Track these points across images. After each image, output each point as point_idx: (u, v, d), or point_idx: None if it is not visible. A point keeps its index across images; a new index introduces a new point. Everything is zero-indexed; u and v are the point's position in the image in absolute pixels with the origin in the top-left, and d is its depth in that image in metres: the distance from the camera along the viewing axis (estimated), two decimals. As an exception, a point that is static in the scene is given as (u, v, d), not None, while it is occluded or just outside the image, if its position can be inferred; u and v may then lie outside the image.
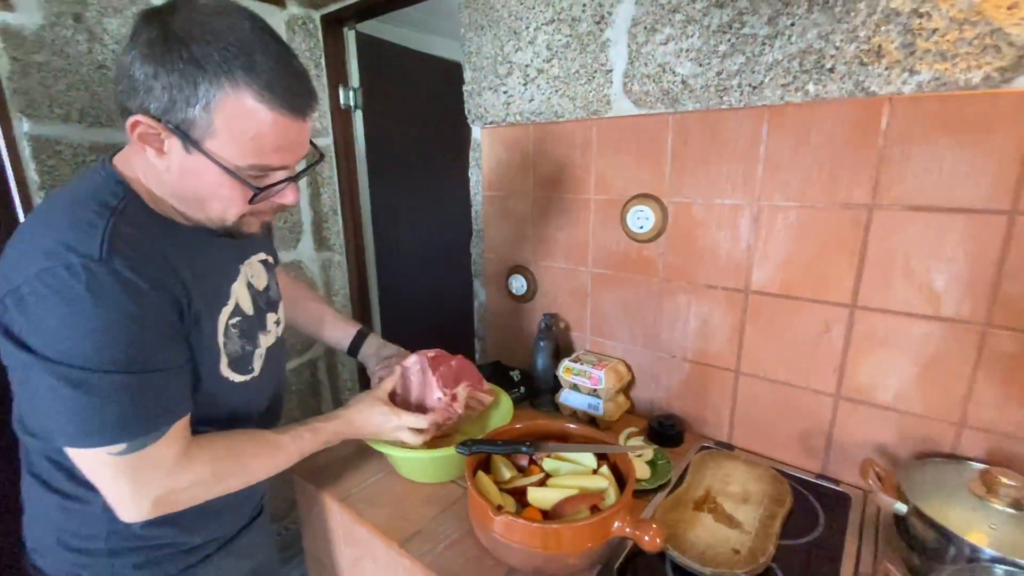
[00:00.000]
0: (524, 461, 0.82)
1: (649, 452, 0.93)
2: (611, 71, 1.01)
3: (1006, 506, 0.65)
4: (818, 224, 0.83)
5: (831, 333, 0.85)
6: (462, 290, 1.56)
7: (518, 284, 1.26)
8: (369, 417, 0.80)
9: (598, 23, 1.01)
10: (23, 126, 1.17)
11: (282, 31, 1.62)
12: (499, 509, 0.68)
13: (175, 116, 0.53)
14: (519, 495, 0.75)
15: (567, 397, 1.11)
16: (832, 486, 0.87)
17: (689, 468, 0.89)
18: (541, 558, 0.66)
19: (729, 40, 0.86)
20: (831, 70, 0.78)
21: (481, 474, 0.77)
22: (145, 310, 0.55)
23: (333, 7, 1.59)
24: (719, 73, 0.88)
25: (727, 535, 0.74)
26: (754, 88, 0.85)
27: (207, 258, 0.65)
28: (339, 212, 1.84)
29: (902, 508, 0.69)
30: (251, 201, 0.60)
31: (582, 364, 1.09)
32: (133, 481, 0.57)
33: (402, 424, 0.81)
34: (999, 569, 0.58)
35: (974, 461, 0.75)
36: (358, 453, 0.97)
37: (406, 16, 1.64)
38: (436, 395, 0.85)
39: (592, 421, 1.08)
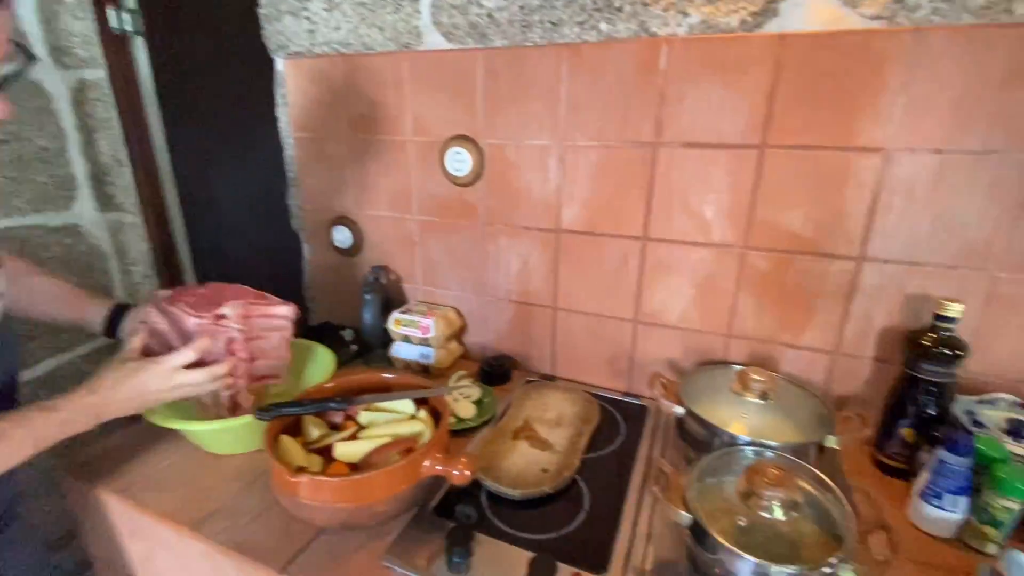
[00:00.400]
0: (339, 419, 0.77)
1: (475, 391, 0.95)
2: (418, 0, 0.94)
3: (756, 398, 0.78)
4: (614, 163, 0.88)
5: (628, 265, 0.93)
6: (291, 245, 1.42)
7: (342, 236, 1.17)
8: (121, 379, 0.66)
9: (401, -56, 0.93)
10: None
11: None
12: (300, 470, 0.63)
13: None
14: (328, 453, 0.70)
15: (399, 349, 1.08)
16: (634, 401, 0.97)
17: (511, 402, 0.93)
18: (346, 512, 0.63)
19: (528, -29, 0.84)
20: (619, 9, 0.81)
21: (285, 438, 0.71)
22: None
23: None
24: (522, 7, 0.86)
25: (538, 457, 0.78)
26: (554, 25, 0.85)
27: None
28: (126, 162, 1.53)
29: (680, 411, 0.79)
30: None
31: (412, 315, 1.06)
32: None
33: (167, 368, 0.67)
34: (748, 450, 0.68)
35: (737, 364, 0.89)
36: (144, 439, 0.84)
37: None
38: (191, 322, 0.71)
39: (426, 371, 1.07)
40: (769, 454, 0.66)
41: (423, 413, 0.77)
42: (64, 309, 0.79)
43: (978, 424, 0.71)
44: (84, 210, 1.52)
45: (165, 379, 0.68)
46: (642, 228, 0.90)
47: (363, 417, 0.77)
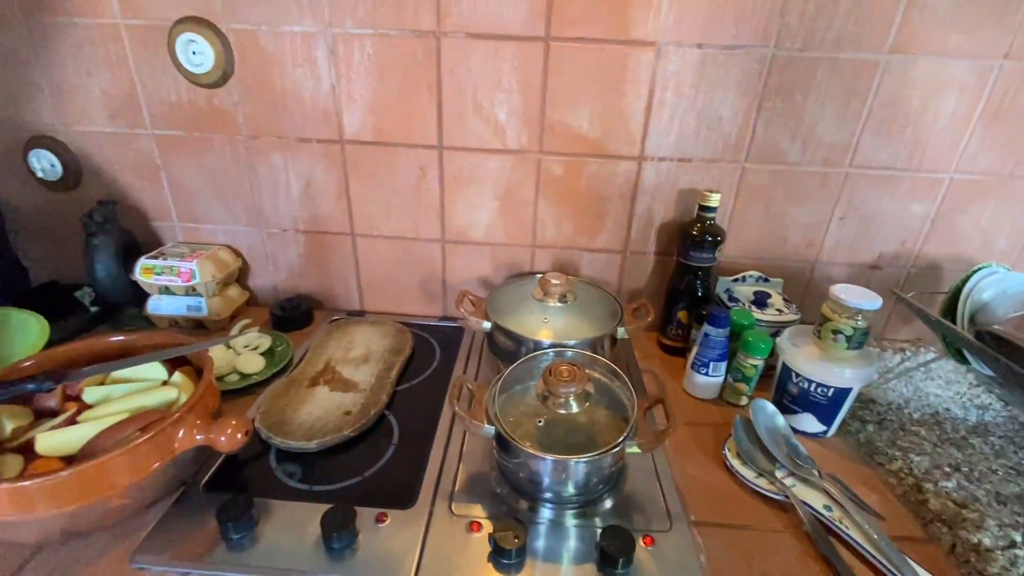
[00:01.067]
0: (52, 402, 0.58)
1: (263, 340, 0.81)
2: None
3: (556, 302, 0.79)
4: (395, 55, 0.76)
5: (427, 178, 0.84)
6: None
7: (46, 164, 0.86)
8: None
9: None
10: None
11: None
12: (-24, 482, 0.45)
13: None
14: (31, 451, 0.52)
15: (158, 304, 0.86)
16: (451, 324, 0.93)
17: (310, 347, 0.81)
18: (68, 517, 0.48)
19: None
20: None
21: (-48, 443, 0.50)
22: None
23: None
24: None
25: (341, 401, 0.70)
26: None
27: None
28: None
29: (487, 326, 0.77)
30: None
31: (167, 260, 0.84)
32: None
33: None
34: (551, 352, 0.68)
35: (540, 273, 0.89)
36: None
37: None
38: None
39: (201, 326, 0.88)
40: (569, 354, 0.67)
41: (179, 377, 0.62)
42: None
43: (733, 299, 0.82)
44: None
45: None
46: (436, 135, 0.81)
47: (92, 394, 0.59)
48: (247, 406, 0.70)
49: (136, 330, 0.83)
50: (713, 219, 0.79)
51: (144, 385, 0.60)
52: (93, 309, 0.88)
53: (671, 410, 0.57)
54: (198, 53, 0.76)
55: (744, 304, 0.81)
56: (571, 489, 0.56)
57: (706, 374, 0.74)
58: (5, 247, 0.99)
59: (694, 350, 0.75)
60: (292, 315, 0.89)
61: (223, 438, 0.53)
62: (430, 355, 0.84)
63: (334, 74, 0.78)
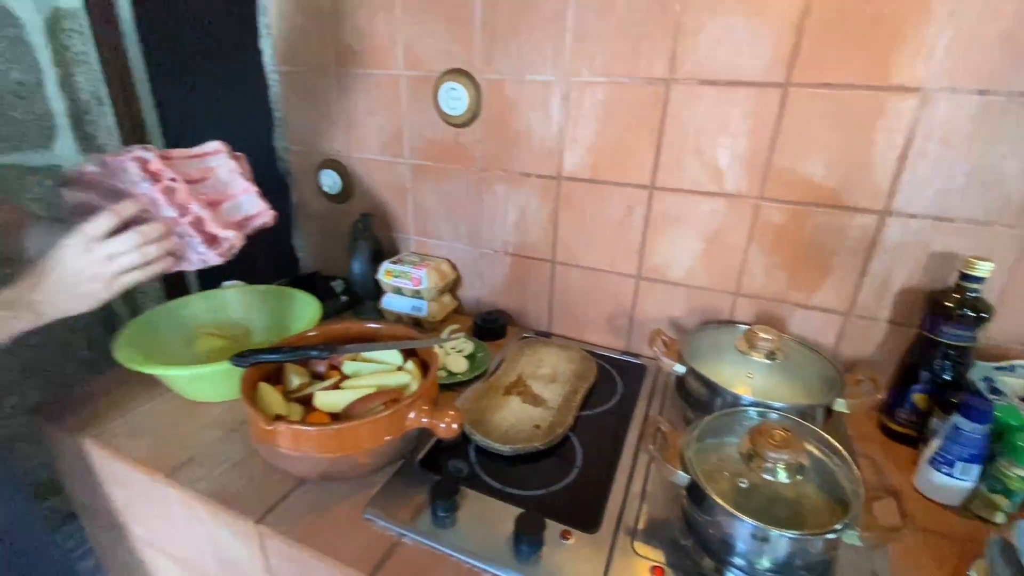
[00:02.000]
0: (322, 368, 0.73)
1: (468, 345, 0.91)
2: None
3: (763, 358, 0.74)
4: (623, 101, 0.81)
5: (633, 216, 0.87)
6: (277, 188, 1.35)
7: (330, 181, 1.11)
8: (45, 268, 0.56)
9: None
10: None
11: None
12: (278, 419, 0.60)
13: None
14: (310, 403, 0.67)
15: (390, 302, 1.03)
16: (633, 360, 0.93)
17: (505, 358, 0.89)
18: (327, 462, 0.60)
19: None
20: (635, -77, 0.72)
21: (264, 386, 0.67)
22: None
23: None
24: (526, -79, 0.77)
25: (531, 413, 0.75)
26: (562, -58, 0.76)
27: None
28: (107, 100, 1.45)
29: (680, 369, 0.75)
30: None
31: (403, 265, 1.01)
32: None
33: (84, 239, 0.56)
34: (752, 411, 0.65)
35: (744, 324, 0.84)
36: (122, 383, 0.80)
37: None
38: (91, 168, 0.61)
39: (418, 324, 1.03)
40: (774, 415, 0.63)
41: (411, 365, 0.73)
42: (19, 237, 0.70)
43: (996, 391, 0.67)
44: (66, 151, 1.45)
45: (88, 253, 0.56)
46: (650, 176, 0.83)
47: (348, 367, 0.73)
48: (452, 400, 0.80)
49: (373, 320, 1.01)
50: (978, 292, 0.66)
51: (385, 367, 0.73)
52: (343, 298, 1.09)
53: (906, 508, 0.49)
54: (455, 98, 0.91)
55: (1012, 399, 0.66)
56: (767, 563, 0.52)
57: (950, 475, 0.61)
58: (287, 240, 1.29)
59: (935, 443, 0.63)
60: (490, 327, 0.98)
61: (442, 424, 0.62)
62: (612, 386, 0.85)
63: (563, 117, 0.86)
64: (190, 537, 0.69)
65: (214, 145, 0.70)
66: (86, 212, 0.62)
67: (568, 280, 0.97)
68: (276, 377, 0.72)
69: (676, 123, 0.79)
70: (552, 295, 1.00)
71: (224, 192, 0.70)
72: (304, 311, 0.90)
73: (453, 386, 0.83)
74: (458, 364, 0.86)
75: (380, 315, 1.06)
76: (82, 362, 1.60)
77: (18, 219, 0.72)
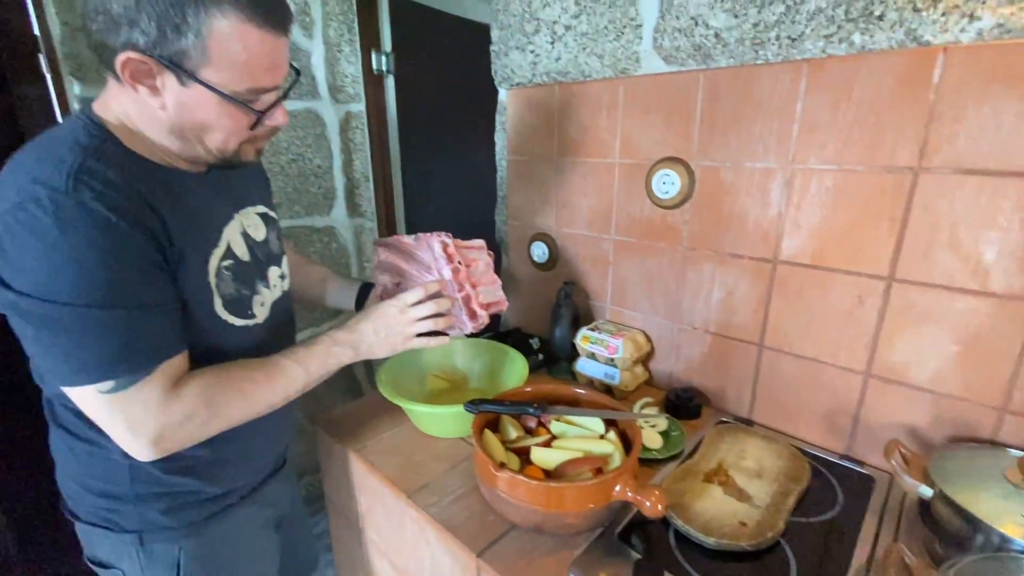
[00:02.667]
0: (532, 423, 0.82)
1: (662, 422, 0.91)
2: (641, 26, 0.96)
3: (1046, 496, 0.60)
4: (857, 189, 0.77)
5: (864, 307, 0.80)
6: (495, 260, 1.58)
7: (540, 252, 1.24)
8: (363, 316, 0.75)
9: (629, -25, 0.96)
10: (74, 88, 1.23)
11: (315, -5, 1.63)
12: (502, 466, 0.69)
13: (167, 49, 0.52)
14: (523, 455, 0.75)
15: (584, 365, 1.10)
16: (855, 467, 0.83)
17: (703, 441, 0.87)
18: (541, 515, 0.67)
19: (768, -13, 0.79)
20: (880, 18, 0.71)
21: (488, 432, 0.78)
22: (118, 244, 0.53)
23: (365, -32, 1.57)
24: (755, 25, 0.81)
25: (735, 508, 0.72)
26: (793, 40, 0.78)
27: (192, 199, 0.64)
28: (371, 179, 1.86)
29: (927, 492, 0.65)
30: (254, 127, 0.61)
31: (600, 333, 1.07)
32: (127, 421, 0.57)
33: (402, 304, 0.75)
34: (1030, 560, 0.53)
35: (1014, 448, 0.70)
36: (376, 409, 1.00)
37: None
38: (408, 239, 0.81)
39: (608, 390, 1.07)
40: (1074, 577, 0.51)
41: (612, 434, 0.77)
42: (328, 293, 0.96)
43: None
44: (338, 216, 1.89)
45: (401, 312, 0.75)
46: (888, 266, 0.77)
47: (555, 426, 0.80)
48: (647, 477, 0.81)
49: (576, 384, 1.08)
50: None
51: (588, 433, 0.78)
52: (540, 356, 1.20)
53: None
54: (668, 184, 0.97)
55: None
56: None
57: None
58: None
59: None
60: (684, 405, 0.98)
61: (648, 503, 0.64)
62: (830, 494, 0.77)
63: (783, 202, 0.85)
64: (415, 552, 0.81)
65: (479, 242, 0.87)
66: (389, 269, 0.83)
67: (778, 367, 0.92)
68: (494, 425, 0.82)
69: (925, 213, 0.72)
70: (757, 380, 0.95)
71: (480, 279, 0.85)
72: (513, 366, 1.02)
73: (647, 462, 0.84)
74: (653, 440, 0.87)
75: (573, 376, 1.13)
76: (339, 388, 2.02)
77: (323, 276, 0.98)
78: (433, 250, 0.79)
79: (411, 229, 1.98)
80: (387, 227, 1.91)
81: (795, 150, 0.82)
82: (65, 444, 0.68)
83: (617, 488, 0.66)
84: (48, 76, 1.29)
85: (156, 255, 0.58)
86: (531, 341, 1.26)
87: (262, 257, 0.75)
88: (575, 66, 1.07)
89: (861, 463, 0.83)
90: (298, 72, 0.67)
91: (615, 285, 1.13)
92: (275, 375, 0.68)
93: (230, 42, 0.54)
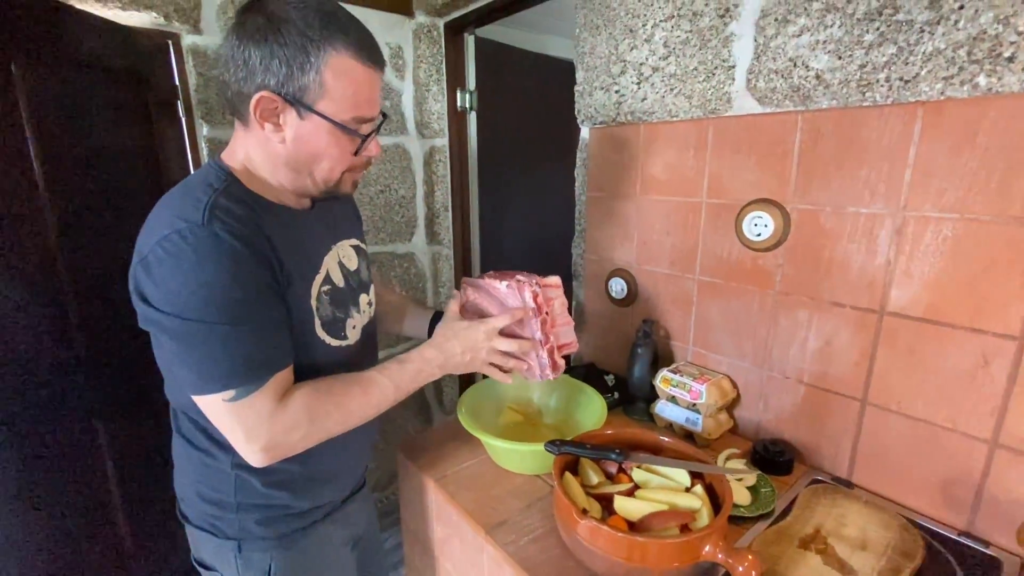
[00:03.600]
0: (612, 468, 0.80)
1: (751, 477, 0.87)
2: (733, 67, 0.95)
3: None
4: (981, 240, 0.71)
5: (990, 368, 0.72)
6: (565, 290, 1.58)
7: (618, 287, 1.24)
8: (451, 335, 0.79)
9: (722, 16, 0.95)
10: (203, 129, 1.40)
11: (409, 40, 1.75)
12: (584, 513, 0.68)
13: (292, 86, 0.63)
14: (605, 502, 0.74)
15: (663, 408, 1.07)
16: (979, 547, 0.74)
17: (797, 501, 0.82)
18: (623, 568, 0.65)
19: (878, 29, 0.76)
20: (1010, 59, 0.66)
21: (568, 475, 0.77)
22: (242, 269, 0.61)
23: (456, 14, 1.67)
24: (862, 66, 0.78)
25: (837, 582, 0.67)
26: (906, 82, 0.75)
27: (300, 232, 0.72)
28: (450, 209, 1.95)
29: (1077, 589, 0.57)
30: (356, 152, 0.70)
31: (682, 376, 1.04)
32: (244, 428, 0.63)
33: (490, 328, 0.79)
34: None
35: None
36: (454, 437, 1.02)
37: (522, 18, 1.68)
38: (501, 286, 0.81)
39: (689, 436, 1.03)
40: None
41: (699, 488, 0.74)
42: (406, 322, 1.01)
43: None
44: (418, 243, 1.99)
45: (488, 338, 0.79)
46: (1021, 325, 0.69)
47: (637, 474, 0.78)
48: (734, 536, 0.77)
49: (647, 426, 1.05)
50: None
51: (672, 484, 0.76)
52: (614, 395, 1.18)
53: None
54: (760, 226, 0.94)
55: None
56: None
57: None
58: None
59: None
60: (774, 459, 0.92)
61: (741, 568, 0.60)
62: (948, 576, 0.69)
63: (893, 250, 0.79)
64: (489, 590, 0.81)
65: (556, 279, 0.87)
66: (475, 311, 0.86)
67: (883, 426, 0.85)
68: (572, 466, 0.82)
69: (1068, 269, 0.65)
70: (857, 438, 0.88)
71: (555, 319, 0.86)
72: (590, 405, 1.01)
73: (734, 519, 0.80)
74: (741, 495, 0.83)
75: (651, 418, 1.10)
76: (410, 407, 2.10)
77: (401, 306, 1.03)
78: (524, 300, 0.81)
79: (485, 257, 2.04)
80: (463, 255, 1.98)
81: (907, 196, 0.77)
82: (184, 452, 0.76)
83: (707, 548, 0.63)
84: (183, 119, 1.48)
85: (271, 279, 0.65)
86: (606, 378, 1.24)
87: (355, 284, 0.82)
88: (661, 106, 1.08)
89: (986, 543, 0.74)
90: (385, 116, 0.76)
91: (698, 326, 1.10)
92: (370, 389, 0.72)
93: (342, 77, 0.64)
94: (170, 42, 1.38)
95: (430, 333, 0.98)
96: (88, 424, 1.10)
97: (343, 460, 0.83)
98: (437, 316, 0.99)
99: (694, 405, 1.01)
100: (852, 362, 0.87)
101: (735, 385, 1.05)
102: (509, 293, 0.82)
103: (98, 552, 1.14)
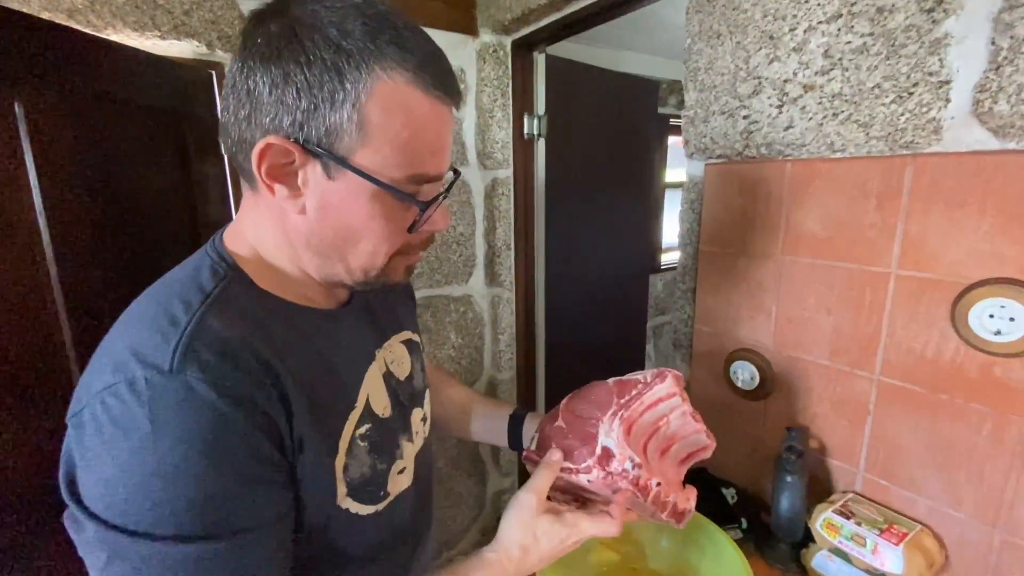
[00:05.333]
0: None
1: None
2: (947, 83, 0.65)
3: None
4: None
5: None
6: (635, 333, 1.28)
7: (746, 375, 0.93)
8: (530, 546, 0.53)
9: (930, 12, 0.66)
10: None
11: (472, 61, 1.54)
12: None
13: (317, 127, 0.40)
14: None
15: (826, 565, 0.75)
16: None
17: None
18: None
19: None
20: None
21: None
22: (225, 447, 0.38)
23: (525, 31, 1.45)
24: None
25: None
26: None
27: (329, 346, 0.49)
28: (512, 247, 1.70)
29: None
30: (411, 228, 0.46)
31: (859, 525, 0.72)
32: None
33: (581, 535, 0.54)
34: None
35: None
36: None
37: (598, 33, 1.44)
38: (584, 480, 0.56)
39: (869, 612, 0.71)
40: None
41: None
42: (474, 422, 0.76)
43: None
44: (476, 284, 1.75)
45: (575, 540, 0.55)
46: None
47: None
48: None
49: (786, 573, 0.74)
50: None
51: None
52: (742, 524, 0.87)
53: None
54: (1001, 319, 0.62)
55: None
56: None
57: None
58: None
59: None
60: None
61: None
62: None
63: None
64: None
65: (667, 388, 0.59)
66: (568, 491, 0.60)
67: None
68: None
69: None
70: None
71: (674, 437, 0.60)
72: (718, 554, 0.71)
73: None
74: None
75: (801, 568, 0.79)
76: (463, 474, 1.85)
77: (465, 403, 0.78)
78: (622, 489, 0.55)
79: (551, 300, 1.77)
80: (526, 298, 1.73)
81: None
82: None
83: None
84: (226, 157, 1.32)
85: (272, 451, 0.41)
86: (724, 492, 0.94)
87: (405, 401, 0.58)
88: (819, 137, 0.78)
89: None
90: (457, 173, 0.51)
91: (875, 446, 0.78)
92: None
93: (395, 113, 0.41)
94: (213, 72, 1.24)
95: (510, 441, 0.72)
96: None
97: None
98: (518, 420, 0.73)
99: (880, 572, 0.69)
100: None
101: (942, 544, 0.71)
102: (600, 484, 0.55)
103: None
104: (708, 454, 0.62)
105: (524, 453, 0.63)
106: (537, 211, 1.70)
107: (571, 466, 0.57)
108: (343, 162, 0.41)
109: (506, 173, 1.64)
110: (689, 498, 0.59)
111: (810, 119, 0.79)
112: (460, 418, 0.77)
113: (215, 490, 0.37)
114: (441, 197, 0.47)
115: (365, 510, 0.50)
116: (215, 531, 0.37)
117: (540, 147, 1.64)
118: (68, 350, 0.83)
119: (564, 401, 0.63)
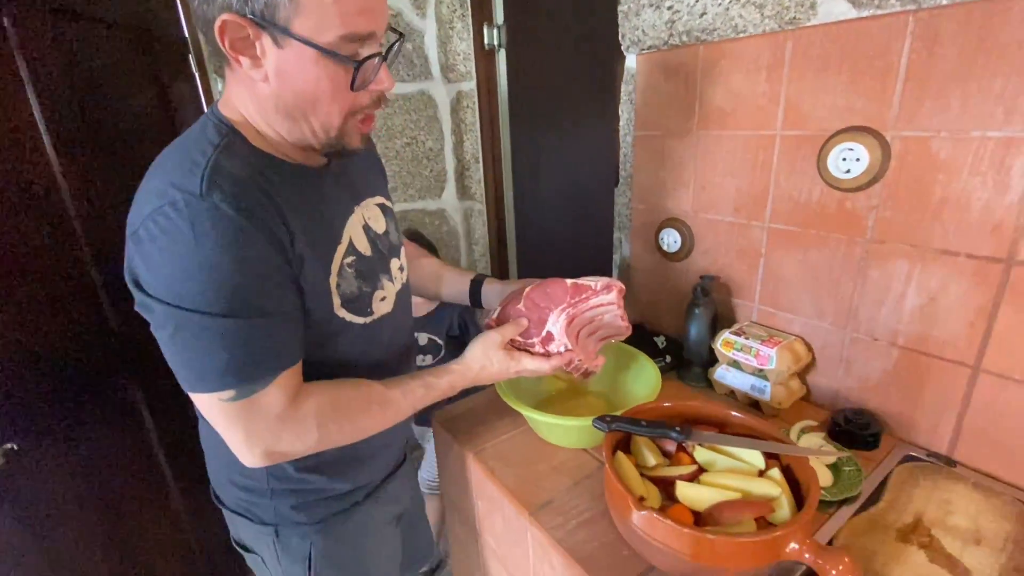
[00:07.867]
0: (671, 447, 0.71)
1: (833, 454, 0.76)
2: (821, -37, 0.77)
3: None
4: None
5: None
6: (603, 242, 1.44)
7: (671, 239, 1.10)
8: (487, 366, 0.73)
9: None
10: (218, 85, 1.31)
11: (429, -31, 1.57)
12: (641, 501, 0.59)
13: (257, 1, 0.49)
14: (664, 485, 0.65)
15: (725, 374, 0.96)
16: None
17: (889, 482, 0.71)
18: (689, 566, 0.57)
19: None
20: None
21: (621, 456, 0.68)
22: (247, 250, 0.52)
23: (479, -65, 1.48)
24: (1009, -61, 0.60)
25: (949, 584, 0.56)
26: (1074, -46, 0.56)
27: (315, 195, 0.62)
28: (480, 160, 1.81)
29: None
30: (353, 86, 0.54)
31: (747, 338, 0.92)
32: (244, 430, 0.56)
33: (522, 369, 0.75)
34: None
35: None
36: (493, 407, 0.95)
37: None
38: (558, 347, 0.76)
39: (754, 405, 0.92)
40: None
41: (776, 473, 0.64)
42: (444, 287, 0.93)
43: None
44: (449, 199, 1.88)
45: (515, 372, 0.75)
46: None
47: (700, 454, 0.69)
48: (813, 526, 0.67)
49: (704, 393, 0.95)
50: None
51: (743, 466, 0.66)
52: (666, 359, 1.07)
53: None
54: (850, 160, 0.78)
55: None
56: None
57: None
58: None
59: None
60: (855, 432, 0.80)
61: (834, 572, 0.51)
62: (1088, 579, 0.57)
63: (1033, 184, 0.63)
64: (533, 569, 0.76)
65: (611, 298, 0.78)
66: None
67: (1000, 397, 0.71)
68: (624, 443, 0.73)
69: None
70: (965, 410, 0.75)
71: (601, 327, 0.82)
72: (642, 372, 0.91)
73: (813, 501, 0.70)
74: (821, 475, 0.72)
75: (710, 385, 1.00)
76: None
77: (437, 269, 0.94)
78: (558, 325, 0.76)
79: (519, 209, 1.91)
80: (495, 210, 1.86)
81: (1062, 111, 0.60)
82: (211, 438, 0.70)
83: (791, 547, 0.53)
84: (196, 75, 1.39)
85: (280, 260, 0.56)
86: (656, 340, 1.13)
87: (384, 250, 0.72)
88: (726, 21, 0.90)
89: None
90: (401, 35, 0.61)
91: (767, 281, 0.96)
92: (388, 410, 0.67)
93: None
94: (173, -13, 1.28)
95: (472, 299, 0.91)
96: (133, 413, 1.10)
97: (381, 439, 0.75)
98: (477, 283, 0.91)
99: (761, 371, 0.89)
100: (965, 322, 0.72)
101: (810, 349, 0.92)
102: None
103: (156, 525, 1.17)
104: (623, 337, 0.84)
105: (486, 321, 0.82)
106: (502, 124, 1.79)
107: (521, 340, 0.77)
108: (285, 31, 0.50)
109: (470, 86, 1.71)
110: (597, 364, 0.81)
111: (719, 4, 0.91)
112: (433, 281, 0.94)
113: (240, 280, 0.52)
114: (378, 57, 0.56)
115: (357, 320, 0.67)
116: (245, 311, 0.53)
117: (502, 58, 1.71)
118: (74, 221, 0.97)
119: (528, 289, 0.79)
